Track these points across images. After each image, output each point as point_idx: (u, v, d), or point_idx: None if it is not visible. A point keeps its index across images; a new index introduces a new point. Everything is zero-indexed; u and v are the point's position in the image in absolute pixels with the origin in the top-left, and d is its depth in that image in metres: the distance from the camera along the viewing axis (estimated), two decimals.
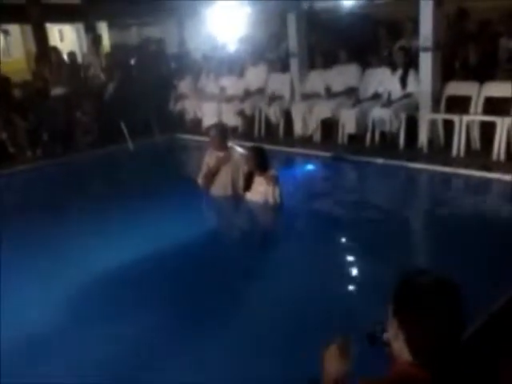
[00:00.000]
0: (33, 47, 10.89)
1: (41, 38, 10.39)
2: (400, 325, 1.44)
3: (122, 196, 5.70)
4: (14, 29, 14.17)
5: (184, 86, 9.85)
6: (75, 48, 12.73)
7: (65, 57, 9.41)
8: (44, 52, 9.73)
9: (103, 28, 14.21)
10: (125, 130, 8.29)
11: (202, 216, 5.22)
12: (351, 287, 3.69)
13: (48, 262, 4.20)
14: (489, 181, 5.53)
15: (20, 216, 5.39)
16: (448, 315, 1.40)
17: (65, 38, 15.06)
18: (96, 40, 10.19)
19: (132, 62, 10.65)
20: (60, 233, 4.86)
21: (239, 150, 5.37)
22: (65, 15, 11.95)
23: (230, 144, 5.44)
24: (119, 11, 11.69)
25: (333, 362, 1.67)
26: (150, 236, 4.50)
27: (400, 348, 1.45)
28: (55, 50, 9.39)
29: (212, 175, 5.28)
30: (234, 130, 8.63)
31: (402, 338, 1.43)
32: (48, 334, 3.18)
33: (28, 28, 11.63)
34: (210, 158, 5.34)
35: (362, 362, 1.69)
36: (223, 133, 5.42)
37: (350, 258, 4.15)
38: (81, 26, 13.41)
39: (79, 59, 10.04)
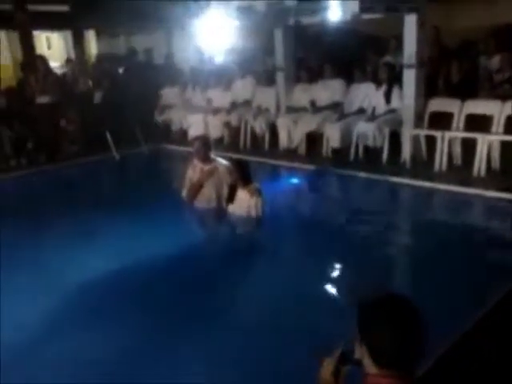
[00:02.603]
0: (20, 54, 10.84)
1: (28, 45, 10.33)
2: (362, 341, 1.57)
3: (105, 206, 5.69)
4: (1, 36, 14.08)
5: (170, 96, 9.88)
6: (63, 56, 12.70)
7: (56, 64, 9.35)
8: (31, 60, 9.69)
9: (91, 36, 14.20)
10: (110, 140, 8.28)
11: (184, 228, 5.20)
12: (333, 299, 3.71)
13: (30, 271, 4.19)
14: (469, 196, 5.62)
15: (3, 225, 5.33)
16: (400, 327, 1.53)
17: (52, 45, 15.00)
18: (83, 48, 10.14)
19: (120, 71, 10.66)
20: (43, 242, 4.84)
21: (222, 162, 5.40)
22: (53, 23, 11.91)
23: (213, 156, 5.46)
24: (108, 20, 11.67)
25: (326, 375, 1.77)
26: (133, 247, 4.50)
27: (367, 364, 1.53)
28: (42, 58, 9.35)
29: (196, 190, 5.29)
30: (220, 141, 8.68)
31: (366, 353, 1.52)
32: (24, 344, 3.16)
33: (15, 35, 11.56)
34: (192, 171, 5.35)
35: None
36: (207, 145, 5.44)
37: (331, 270, 4.18)
38: (69, 34, 13.37)
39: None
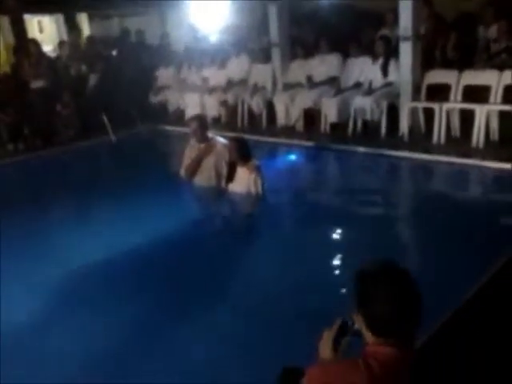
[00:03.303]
0: (11, 39, 10.70)
1: (19, 29, 10.21)
2: (358, 311, 1.59)
3: (104, 188, 5.69)
4: None
5: (166, 77, 9.80)
6: (55, 39, 12.54)
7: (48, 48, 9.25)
8: (23, 44, 9.58)
9: (83, 19, 13.99)
10: (106, 122, 8.24)
11: (185, 207, 5.22)
12: (333, 276, 3.73)
13: (30, 255, 4.20)
14: (468, 167, 5.61)
15: (1, 209, 5.34)
16: (393, 294, 1.54)
17: (44, 29, 14.79)
18: (76, 31, 10.01)
19: (113, 53, 10.55)
20: (41, 226, 4.85)
21: (221, 140, 5.38)
22: (44, 6, 11.74)
23: (211, 135, 5.44)
24: (100, 2, 11.52)
25: (325, 347, 1.78)
26: (133, 227, 4.51)
27: (365, 334, 1.58)
28: (34, 42, 9.26)
29: (195, 166, 5.28)
30: (217, 120, 8.64)
31: (363, 323, 1.53)
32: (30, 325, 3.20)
33: (6, 19, 11.40)
34: (191, 150, 5.34)
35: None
36: (204, 124, 5.42)
37: (332, 247, 4.20)
38: (61, 17, 13.19)
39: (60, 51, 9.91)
